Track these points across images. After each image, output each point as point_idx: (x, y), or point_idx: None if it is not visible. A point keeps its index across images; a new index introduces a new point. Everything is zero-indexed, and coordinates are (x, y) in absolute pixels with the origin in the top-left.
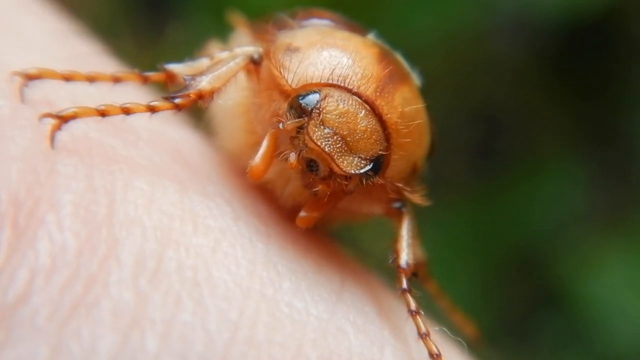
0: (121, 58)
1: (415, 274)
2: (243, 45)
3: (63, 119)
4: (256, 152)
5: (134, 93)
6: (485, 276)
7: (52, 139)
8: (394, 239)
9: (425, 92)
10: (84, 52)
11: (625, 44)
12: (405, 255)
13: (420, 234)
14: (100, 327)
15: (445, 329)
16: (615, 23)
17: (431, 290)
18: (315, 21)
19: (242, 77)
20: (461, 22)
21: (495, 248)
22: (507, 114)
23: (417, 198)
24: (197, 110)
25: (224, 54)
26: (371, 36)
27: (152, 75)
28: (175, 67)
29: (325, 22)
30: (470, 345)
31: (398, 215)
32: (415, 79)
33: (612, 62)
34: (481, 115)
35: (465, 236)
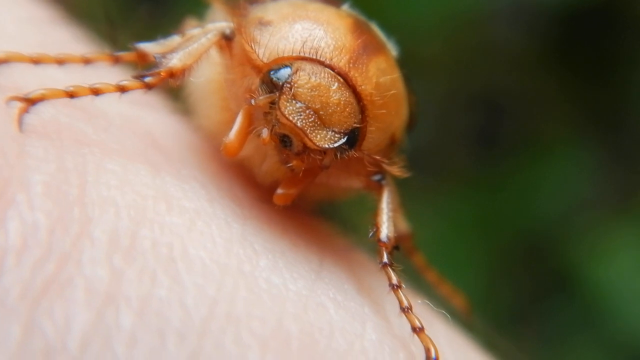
0: (109, 45)
1: (397, 247)
2: (216, 21)
3: (31, 101)
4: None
5: (108, 78)
6: (491, 263)
7: (20, 122)
8: (374, 212)
9: (403, 62)
10: (60, 38)
11: (630, 25)
12: (385, 228)
13: (404, 205)
14: (74, 305)
15: (428, 302)
16: (619, 4)
17: (418, 263)
18: None
19: (214, 53)
20: (461, 6)
21: (501, 235)
22: (509, 99)
23: (396, 170)
24: (174, 91)
25: (196, 31)
26: (345, 7)
27: (123, 55)
28: (146, 46)
29: None
30: (460, 317)
31: (378, 188)
32: (392, 49)
33: (617, 44)
34: (483, 100)
35: (471, 223)
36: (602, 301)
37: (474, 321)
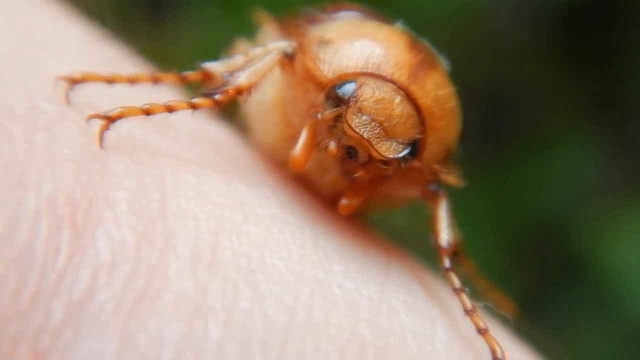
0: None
1: (456, 253)
2: (274, 41)
3: (110, 119)
4: (293, 144)
5: (153, 94)
6: (501, 250)
7: (101, 139)
8: (433, 220)
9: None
10: (112, 55)
11: (632, 15)
12: (446, 235)
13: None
14: (165, 318)
15: (489, 305)
16: None
17: (468, 271)
18: (344, 13)
19: (276, 71)
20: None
21: (510, 223)
22: (513, 90)
23: (453, 179)
24: (227, 110)
25: (258, 50)
26: (399, 25)
27: (190, 74)
28: (211, 66)
29: (354, 13)
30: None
31: (434, 197)
32: (444, 63)
33: (620, 34)
34: (487, 92)
35: (480, 211)
36: (611, 285)
37: (524, 328)
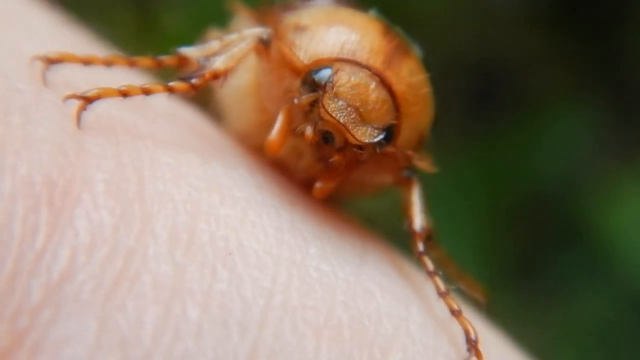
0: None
1: (429, 237)
2: (248, 28)
3: (88, 100)
4: (268, 130)
5: (128, 78)
6: (496, 217)
7: (79, 119)
8: (406, 205)
9: (425, 63)
10: (85, 40)
11: None
12: (420, 220)
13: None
14: (144, 299)
15: (461, 288)
16: None
17: (438, 257)
18: (319, 1)
19: (252, 57)
20: None
21: (506, 189)
22: (508, 58)
23: (426, 165)
24: (201, 96)
25: (233, 36)
26: (373, 12)
27: (166, 58)
28: (187, 51)
29: (328, 1)
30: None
31: (408, 183)
32: (417, 51)
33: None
34: (482, 61)
35: (474, 179)
36: (608, 250)
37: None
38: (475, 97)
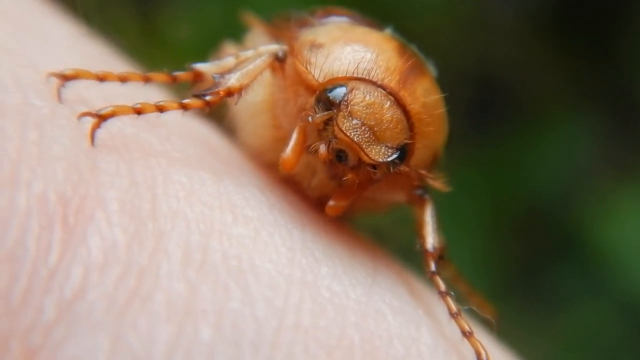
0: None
1: (441, 257)
2: (264, 44)
3: (102, 117)
4: (282, 146)
5: (143, 91)
6: (497, 228)
7: (93, 137)
8: (419, 224)
9: (441, 83)
10: (100, 52)
11: None
12: (432, 239)
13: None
14: (156, 318)
15: (473, 308)
16: None
17: (449, 274)
18: (334, 18)
19: (267, 74)
20: None
21: (506, 201)
22: (508, 70)
23: (439, 184)
24: (216, 112)
25: (249, 53)
26: (388, 31)
27: (181, 74)
28: (202, 66)
29: (344, 19)
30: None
31: (420, 202)
32: (432, 70)
33: (615, 8)
34: (482, 72)
35: (476, 190)
36: (607, 261)
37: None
38: (475, 106)
